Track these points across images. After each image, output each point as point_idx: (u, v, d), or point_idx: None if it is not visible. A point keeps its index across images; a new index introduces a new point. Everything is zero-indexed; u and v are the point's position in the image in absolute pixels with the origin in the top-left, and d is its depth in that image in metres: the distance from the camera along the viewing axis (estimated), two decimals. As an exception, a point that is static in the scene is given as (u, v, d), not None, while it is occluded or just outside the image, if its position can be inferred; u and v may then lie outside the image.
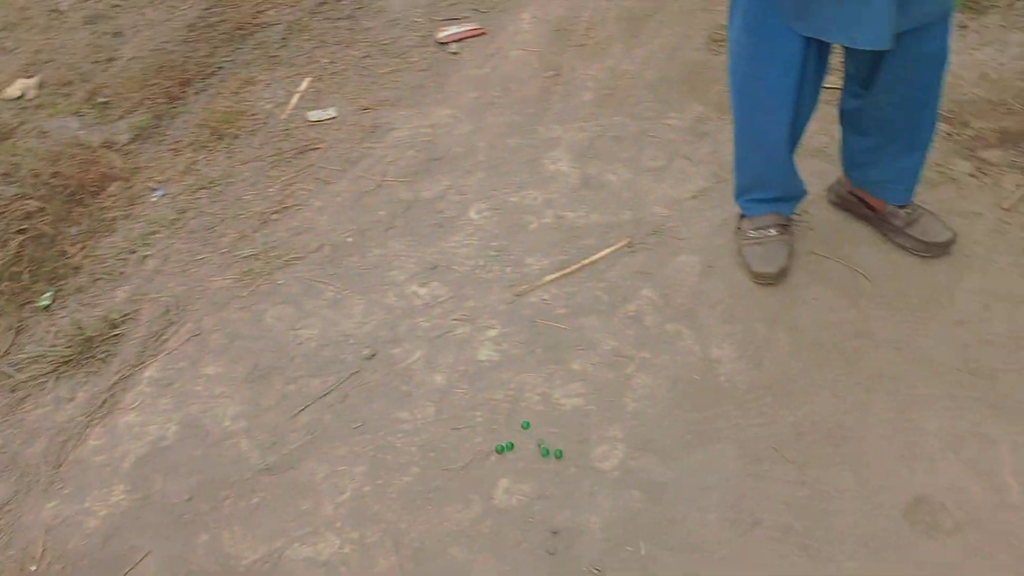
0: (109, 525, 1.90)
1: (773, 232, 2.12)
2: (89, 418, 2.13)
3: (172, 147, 2.97)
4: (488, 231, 2.42)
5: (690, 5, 3.16)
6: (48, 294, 2.48)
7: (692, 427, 1.88)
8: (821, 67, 1.86)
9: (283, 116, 3.01)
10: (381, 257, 2.40)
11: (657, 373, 1.99)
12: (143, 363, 2.24)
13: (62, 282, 2.52)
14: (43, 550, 1.88)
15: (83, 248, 2.62)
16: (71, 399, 2.19)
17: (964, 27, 2.79)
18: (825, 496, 1.72)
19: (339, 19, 3.48)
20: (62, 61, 3.42)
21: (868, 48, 1.66)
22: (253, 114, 3.04)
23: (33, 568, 1.85)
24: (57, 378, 2.25)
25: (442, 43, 3.22)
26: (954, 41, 2.71)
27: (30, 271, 2.53)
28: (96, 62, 3.41)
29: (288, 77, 3.20)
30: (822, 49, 1.82)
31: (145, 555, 1.84)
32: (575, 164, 2.58)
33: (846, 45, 1.74)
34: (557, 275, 2.25)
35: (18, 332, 2.40)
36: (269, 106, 3.07)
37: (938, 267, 2.08)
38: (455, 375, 2.07)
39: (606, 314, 2.14)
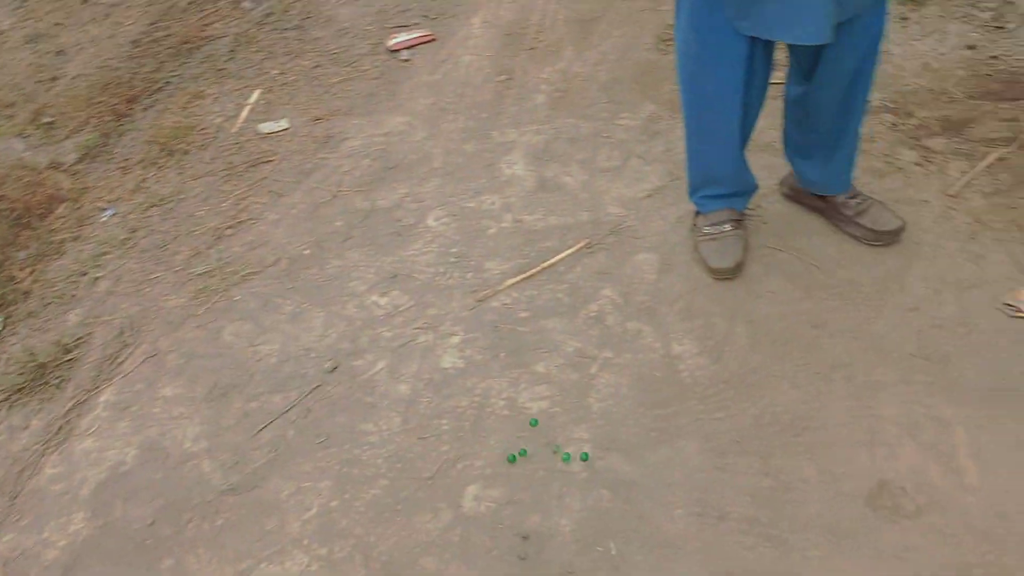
0: (69, 555, 1.86)
1: (728, 227, 2.15)
2: (45, 446, 2.08)
3: (121, 165, 2.92)
4: (447, 238, 2.41)
5: (638, 6, 3.19)
6: (-3, 321, 2.42)
7: (656, 424, 1.89)
8: (767, 63, 1.89)
9: (234, 129, 2.97)
10: (340, 268, 2.38)
11: (620, 372, 2.00)
12: (98, 387, 2.19)
13: (12, 308, 2.46)
14: (1, 584, 1.84)
15: (32, 272, 2.56)
16: (25, 427, 2.14)
17: (905, 19, 2.85)
18: (788, 486, 1.74)
19: (287, 29, 3.45)
20: (4, 82, 3.34)
21: (811, 44, 1.69)
22: (203, 129, 3.00)
23: (-8, 604, 1.81)
24: (10, 407, 2.19)
25: (393, 51, 3.21)
26: (896, 33, 2.78)
27: (-23, 298, 2.47)
28: (39, 82, 3.34)
29: (237, 90, 3.16)
30: (768, 46, 1.85)
31: (108, 583, 1.80)
32: (531, 167, 2.59)
33: (789, 43, 1.77)
34: (518, 279, 2.25)
35: (-33, 361, 2.33)
36: (219, 120, 3.03)
37: (889, 255, 2.13)
38: (420, 384, 2.06)
39: (568, 315, 2.14)
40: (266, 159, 2.82)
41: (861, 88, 1.91)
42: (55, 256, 2.61)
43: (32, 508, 1.96)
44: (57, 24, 3.63)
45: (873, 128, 2.46)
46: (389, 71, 3.12)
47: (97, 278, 2.51)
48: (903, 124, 2.48)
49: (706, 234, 2.17)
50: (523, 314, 2.17)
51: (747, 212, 2.26)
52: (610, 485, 1.80)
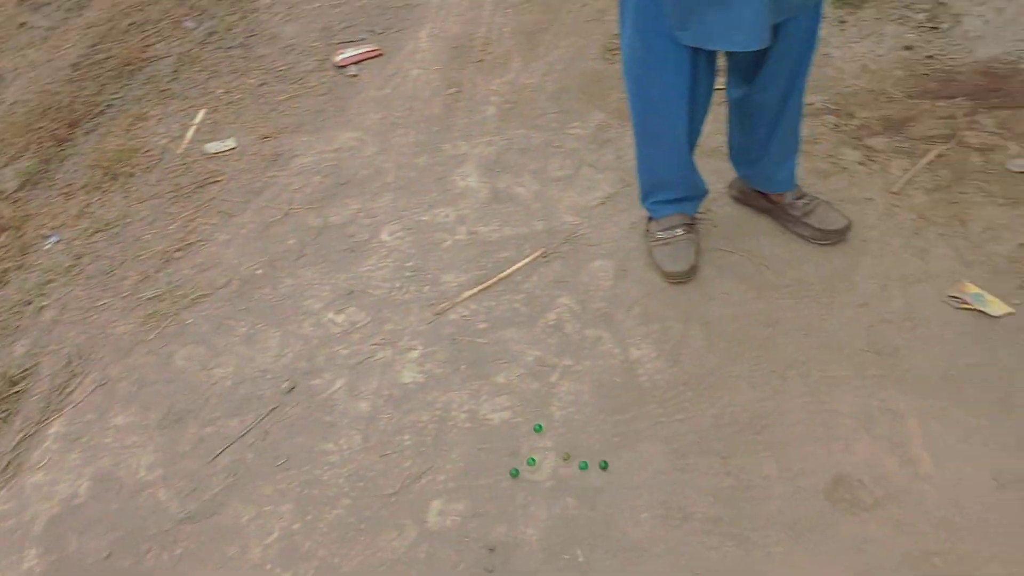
0: (22, 594, 1.80)
1: (680, 232, 2.17)
2: (-8, 483, 2.02)
3: (63, 191, 2.85)
4: (402, 252, 2.40)
5: (583, 17, 3.22)
6: (-62, 355, 2.34)
7: (618, 429, 1.90)
8: (711, 69, 1.92)
9: (179, 150, 2.92)
10: (293, 287, 2.35)
11: (581, 379, 2.01)
12: (48, 419, 2.13)
13: (-47, 341, 2.38)
14: (-50, 629, 1.77)
15: (-27, 303, 2.48)
16: (-29, 464, 2.07)
17: (843, 22, 2.92)
18: (750, 484, 1.76)
19: (231, 48, 3.41)
20: (-63, 109, 3.25)
21: (749, 49, 1.72)
22: (147, 151, 2.94)
23: (-60, 649, 1.74)
24: (-46, 443, 2.12)
25: (340, 66, 3.19)
26: (834, 36, 2.85)
27: (-84, 333, 2.38)
28: (-25, 108, 3.25)
29: (182, 110, 3.11)
30: (711, 52, 1.88)
31: (64, 621, 1.75)
32: (484, 179, 2.59)
33: (728, 51, 1.81)
34: (475, 290, 2.25)
35: (-93, 399, 2.25)
36: (164, 141, 2.98)
37: (836, 253, 2.17)
38: (379, 400, 2.04)
39: (526, 325, 2.15)
40: (214, 179, 2.78)
41: (799, 87, 1.96)
42: (-3, 286, 2.54)
43: (-20, 547, 1.89)
44: (-8, 49, 3.55)
45: (816, 130, 2.51)
46: (337, 87, 3.11)
47: (42, 307, 2.44)
48: (845, 125, 2.53)
49: (659, 239, 2.19)
50: (482, 325, 2.17)
51: (698, 216, 2.29)
52: (575, 492, 1.80)
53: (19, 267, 2.58)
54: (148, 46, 3.47)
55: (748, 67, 1.92)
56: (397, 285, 2.31)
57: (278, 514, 1.85)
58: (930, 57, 2.71)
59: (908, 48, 2.77)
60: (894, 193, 2.30)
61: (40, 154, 2.99)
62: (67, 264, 2.56)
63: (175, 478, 1.95)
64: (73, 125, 3.10)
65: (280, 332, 2.23)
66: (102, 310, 2.39)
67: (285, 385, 2.10)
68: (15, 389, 2.21)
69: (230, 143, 2.92)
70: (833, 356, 1.95)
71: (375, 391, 2.06)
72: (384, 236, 2.46)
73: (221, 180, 2.77)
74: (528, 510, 1.78)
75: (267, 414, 2.05)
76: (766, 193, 2.23)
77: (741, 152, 2.17)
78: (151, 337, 2.28)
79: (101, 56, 3.44)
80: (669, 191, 2.16)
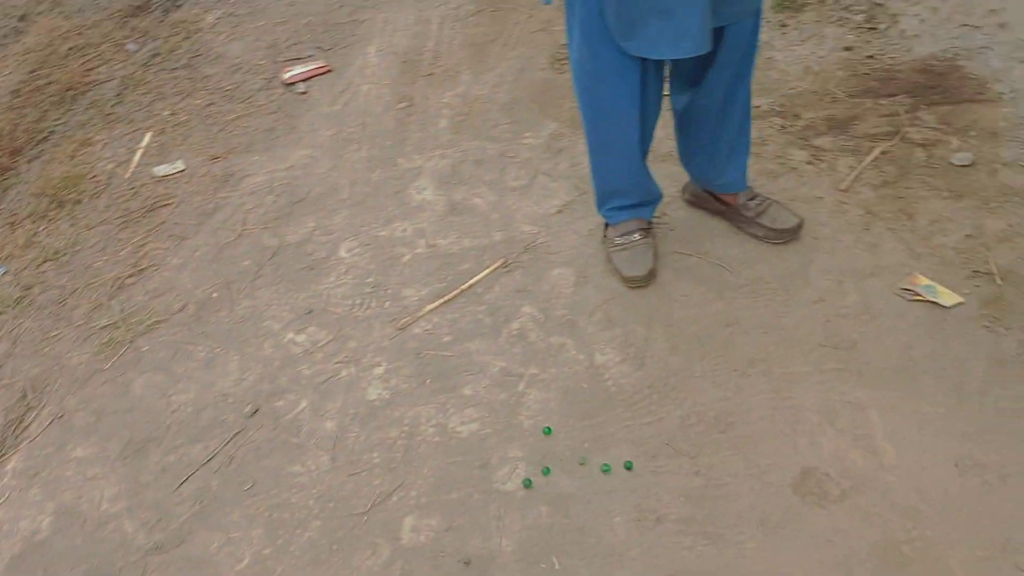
0: (-17, 639, 1.74)
1: (637, 236, 2.20)
2: (-54, 525, 1.94)
3: (8, 221, 2.78)
4: (361, 268, 2.39)
5: (530, 28, 3.25)
6: None
7: (588, 434, 1.91)
8: (659, 76, 1.95)
9: (127, 175, 2.87)
10: (251, 308, 2.32)
11: (547, 387, 2.01)
12: (4, 455, 2.07)
13: None
14: None
15: (-83, 341, 2.40)
16: (-78, 507, 1.99)
17: (785, 26, 3.00)
18: (719, 483, 1.78)
19: (176, 69, 3.36)
20: None
21: (691, 56, 1.76)
22: (94, 176, 2.88)
23: None
24: (-98, 487, 2.04)
25: (289, 84, 3.17)
26: (777, 39, 2.91)
27: None
28: (-91, 138, 3.15)
29: (128, 134, 3.05)
30: (658, 60, 1.91)
31: (29, 664, 1.69)
32: (440, 191, 2.59)
33: (672, 59, 1.84)
34: (437, 303, 2.25)
35: None
36: (111, 166, 2.92)
37: (790, 251, 2.22)
38: (346, 419, 2.02)
39: (490, 336, 2.15)
40: (164, 203, 2.73)
41: (744, 90, 2.00)
42: (-58, 321, 2.45)
43: (-64, 593, 1.83)
44: (-75, 77, 3.44)
45: (763, 131, 2.57)
46: (286, 105, 3.08)
47: (-9, 341, 2.37)
48: (791, 126, 2.59)
49: (617, 245, 2.21)
50: (446, 338, 2.16)
51: (654, 220, 2.32)
52: (548, 500, 1.80)
53: (-36, 301, 2.51)
54: (90, 70, 3.40)
55: (692, 73, 1.95)
56: (358, 302, 2.29)
57: (248, 540, 1.82)
58: (870, 57, 2.79)
59: (848, 49, 2.84)
60: (842, 191, 2.36)
61: (-19, 184, 2.91)
62: (16, 295, 2.49)
63: (140, 509, 1.91)
64: (15, 153, 3.02)
65: (240, 355, 2.20)
66: (55, 341, 2.33)
67: (248, 408, 2.07)
68: (-34, 427, 2.14)
69: (179, 165, 2.87)
70: (792, 352, 1.99)
71: (341, 410, 2.04)
72: (342, 253, 2.44)
73: (171, 203, 2.72)
74: (502, 521, 1.78)
75: (231, 439, 2.01)
76: (719, 195, 2.27)
77: (692, 155, 2.21)
78: (107, 366, 2.23)
79: (42, 82, 3.36)
80: (624, 197, 2.19)
